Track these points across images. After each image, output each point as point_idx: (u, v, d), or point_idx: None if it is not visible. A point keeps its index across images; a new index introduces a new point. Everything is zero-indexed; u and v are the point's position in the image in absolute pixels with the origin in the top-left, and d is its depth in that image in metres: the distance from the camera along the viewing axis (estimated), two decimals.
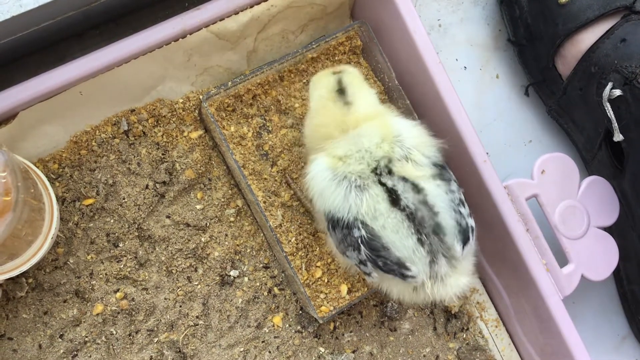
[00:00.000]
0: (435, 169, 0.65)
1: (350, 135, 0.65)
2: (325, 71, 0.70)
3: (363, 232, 0.63)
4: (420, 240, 0.63)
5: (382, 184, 0.64)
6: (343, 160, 0.64)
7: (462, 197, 0.66)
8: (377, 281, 0.67)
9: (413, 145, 0.65)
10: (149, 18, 0.74)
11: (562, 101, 0.83)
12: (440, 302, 0.67)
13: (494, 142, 0.87)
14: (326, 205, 0.64)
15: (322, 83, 0.68)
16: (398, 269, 0.63)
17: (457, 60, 0.88)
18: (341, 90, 0.67)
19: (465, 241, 0.65)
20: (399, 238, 0.63)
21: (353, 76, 0.68)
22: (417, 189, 0.64)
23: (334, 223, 0.64)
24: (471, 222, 0.66)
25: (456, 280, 0.65)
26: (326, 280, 0.73)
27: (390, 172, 0.64)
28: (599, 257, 0.77)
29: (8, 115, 0.66)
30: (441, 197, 0.64)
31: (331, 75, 0.68)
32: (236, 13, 0.71)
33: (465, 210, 0.65)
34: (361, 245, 0.63)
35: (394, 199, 0.63)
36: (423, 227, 0.63)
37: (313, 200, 0.66)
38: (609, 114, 0.75)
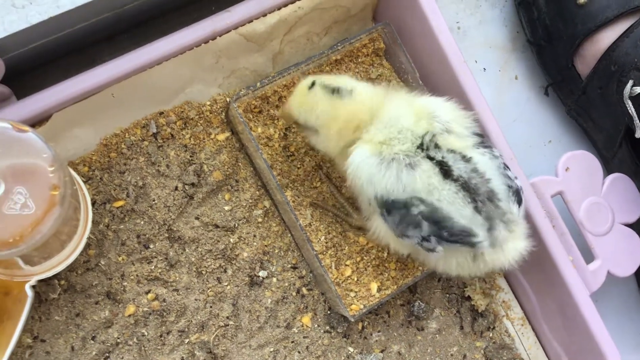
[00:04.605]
0: (477, 137, 0.67)
1: (383, 120, 0.65)
2: (298, 94, 0.68)
3: (422, 208, 0.63)
4: (476, 209, 0.64)
5: (431, 158, 0.64)
6: (386, 144, 0.65)
7: (505, 162, 0.67)
8: (439, 257, 0.67)
9: (450, 119, 0.66)
10: (176, 22, 0.75)
11: (582, 100, 0.84)
12: (500, 269, 0.68)
13: (514, 143, 0.86)
14: (377, 190, 0.64)
15: (313, 101, 0.66)
16: (465, 237, 0.64)
17: (476, 62, 0.89)
18: (333, 90, 0.66)
19: (519, 202, 0.66)
20: (455, 209, 0.63)
21: (321, 77, 0.67)
22: (465, 158, 0.65)
23: (389, 206, 0.65)
24: (519, 183, 0.67)
25: (514, 245, 0.66)
26: (356, 279, 0.74)
27: (436, 146, 0.65)
28: (624, 253, 0.78)
29: (42, 117, 0.66)
30: (488, 164, 0.65)
31: (310, 91, 0.67)
32: (264, 15, 0.72)
33: (511, 174, 0.67)
34: (422, 221, 0.64)
35: (445, 171, 0.64)
36: (478, 194, 0.64)
37: (360, 190, 0.66)
38: (630, 111, 0.76)
